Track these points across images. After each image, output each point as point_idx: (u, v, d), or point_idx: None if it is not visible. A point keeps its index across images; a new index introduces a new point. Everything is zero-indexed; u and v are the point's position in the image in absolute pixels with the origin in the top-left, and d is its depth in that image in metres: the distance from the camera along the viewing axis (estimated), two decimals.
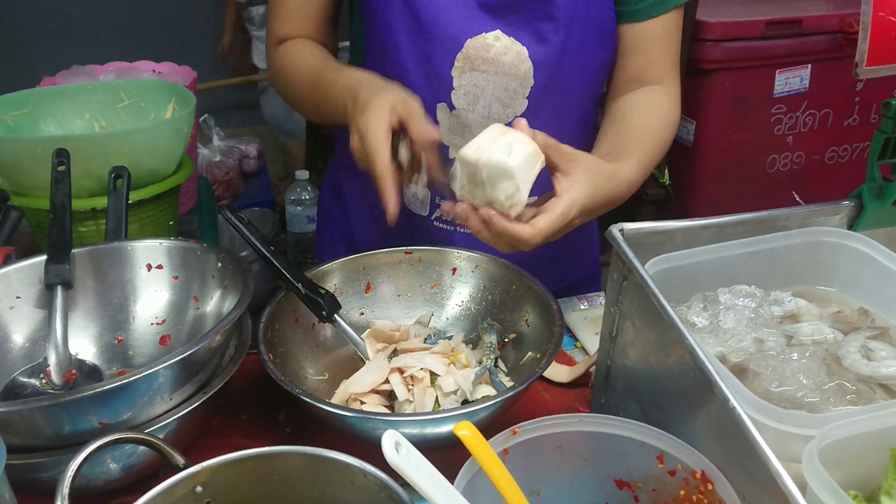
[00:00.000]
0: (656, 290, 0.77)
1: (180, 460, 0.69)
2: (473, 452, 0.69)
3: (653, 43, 1.17)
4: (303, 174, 2.65)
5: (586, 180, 0.91)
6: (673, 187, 2.62)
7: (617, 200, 1.02)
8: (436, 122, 1.15)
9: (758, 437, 0.64)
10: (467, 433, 0.69)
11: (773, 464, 0.62)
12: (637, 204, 2.65)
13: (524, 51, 1.11)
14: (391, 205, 0.94)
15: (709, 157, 2.58)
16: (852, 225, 0.94)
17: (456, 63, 1.11)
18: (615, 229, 0.84)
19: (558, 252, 1.32)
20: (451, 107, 1.14)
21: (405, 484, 0.64)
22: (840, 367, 0.78)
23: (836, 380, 0.76)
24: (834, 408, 0.73)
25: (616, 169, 1.00)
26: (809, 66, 2.51)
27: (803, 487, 0.62)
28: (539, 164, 0.87)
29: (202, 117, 2.57)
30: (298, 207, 2.61)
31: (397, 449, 0.61)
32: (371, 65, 1.18)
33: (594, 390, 0.95)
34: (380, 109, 0.93)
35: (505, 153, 0.84)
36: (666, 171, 2.59)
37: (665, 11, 1.14)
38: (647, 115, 1.16)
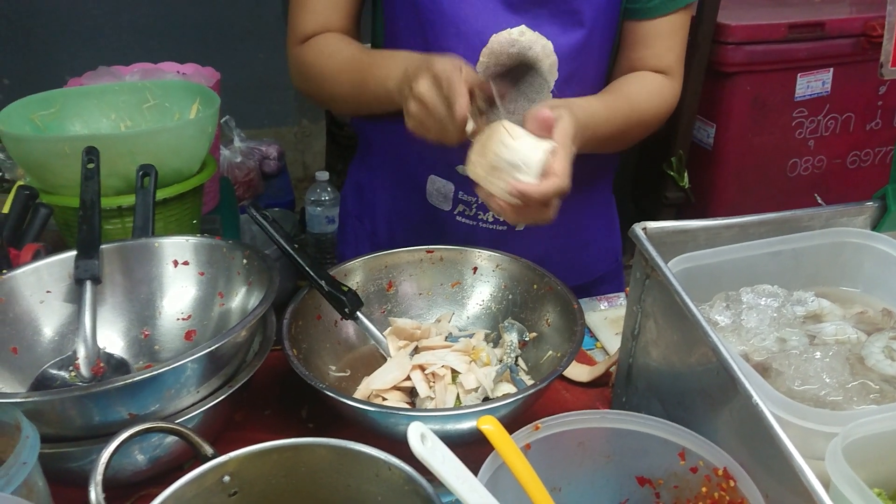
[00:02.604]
0: (680, 289, 0.77)
1: (209, 450, 0.70)
2: (497, 447, 0.69)
3: (659, 39, 1.18)
4: (322, 175, 2.67)
5: (567, 113, 0.97)
6: (693, 191, 2.61)
7: (595, 125, 1.06)
8: None
9: (781, 434, 0.64)
10: (491, 428, 0.69)
11: (797, 460, 0.62)
12: (657, 207, 2.65)
13: (549, 45, 1.12)
14: (461, 103, 0.93)
15: (729, 161, 2.57)
16: (876, 226, 0.94)
17: (481, 58, 1.12)
18: (638, 228, 0.84)
19: (578, 245, 1.32)
20: None
21: (430, 477, 0.65)
22: (863, 367, 0.78)
23: (859, 379, 0.76)
24: (857, 406, 0.73)
25: (574, 100, 1.07)
26: (831, 69, 2.50)
27: (827, 484, 0.62)
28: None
29: (223, 118, 2.59)
30: (318, 208, 2.63)
31: (423, 441, 0.62)
32: None
33: (616, 389, 0.96)
34: (454, 63, 0.95)
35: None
36: (685, 174, 2.58)
37: (674, 10, 1.16)
38: (630, 82, 1.18)
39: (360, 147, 1.40)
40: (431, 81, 0.95)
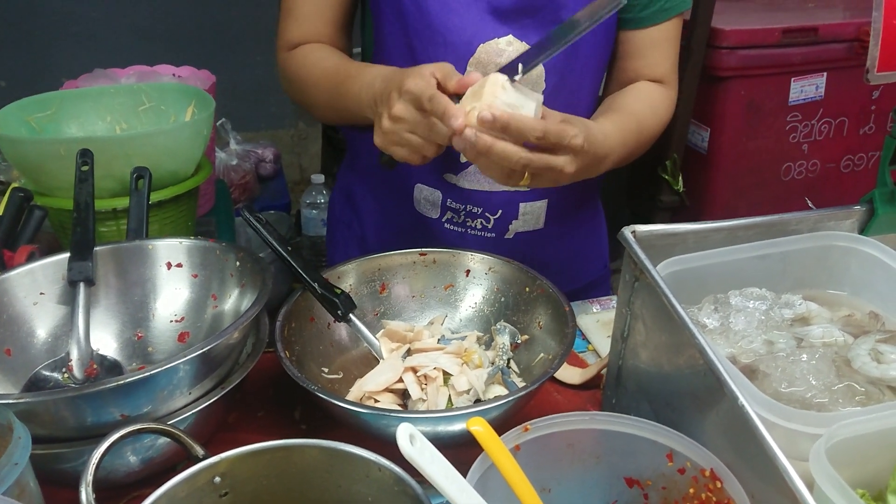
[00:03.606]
0: (668, 292, 0.78)
1: (200, 451, 0.70)
2: (486, 448, 0.70)
3: (654, 47, 1.20)
4: (318, 178, 2.68)
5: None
6: (687, 194, 2.61)
7: (604, 151, 1.05)
8: None
9: (766, 436, 0.65)
10: (480, 429, 0.70)
11: (782, 461, 0.63)
12: (651, 210, 2.65)
13: None
14: (456, 115, 0.92)
15: (723, 165, 2.58)
16: (863, 229, 0.95)
17: (468, 68, 1.13)
18: (627, 231, 0.85)
19: (567, 253, 1.33)
20: None
21: (420, 478, 0.66)
22: (849, 370, 0.78)
23: (845, 381, 0.76)
24: (842, 408, 0.74)
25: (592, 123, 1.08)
26: (825, 74, 2.51)
27: (811, 485, 0.63)
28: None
29: (219, 121, 2.60)
30: (314, 211, 2.63)
31: (412, 441, 0.62)
32: None
33: (605, 390, 0.96)
34: (423, 76, 0.96)
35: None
36: (680, 178, 2.59)
37: (668, 19, 1.17)
38: (634, 98, 1.19)
39: (349, 153, 1.41)
40: (407, 100, 0.95)
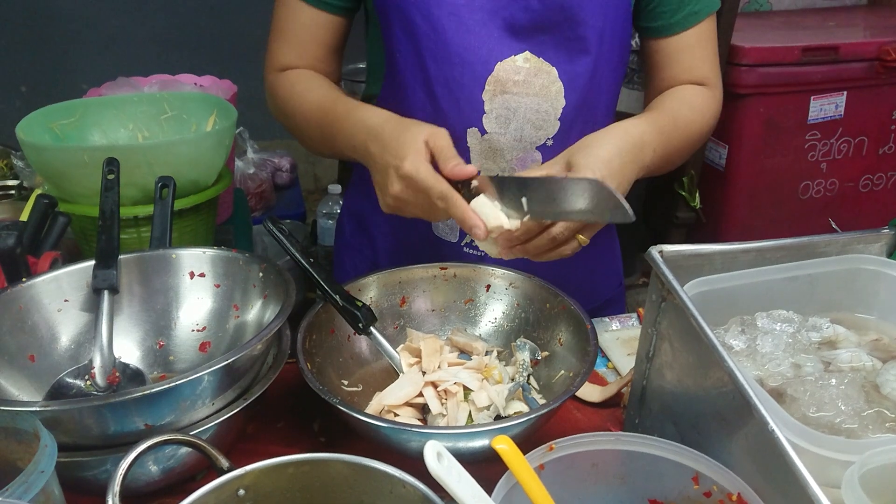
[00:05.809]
0: (696, 312, 0.77)
1: (225, 463, 0.70)
2: (511, 467, 0.69)
3: (689, 52, 1.18)
4: (335, 188, 2.68)
5: (595, 161, 0.97)
6: (704, 211, 2.61)
7: (636, 150, 1.02)
8: (466, 147, 1.15)
9: (797, 462, 0.64)
10: (505, 447, 0.70)
11: (813, 488, 0.62)
12: (667, 227, 2.65)
13: (554, 71, 1.12)
14: (478, 225, 0.93)
15: (741, 182, 2.57)
16: (892, 253, 0.94)
17: (486, 87, 1.11)
18: (654, 251, 0.84)
19: (583, 272, 1.32)
20: (483, 131, 1.14)
21: (443, 494, 0.65)
22: (879, 395, 0.78)
23: (874, 407, 0.75)
24: (873, 435, 0.73)
25: (620, 126, 1.04)
26: (845, 93, 2.50)
27: None
28: None
29: (237, 130, 2.61)
30: (329, 221, 2.64)
31: (439, 459, 0.62)
32: (396, 90, 1.17)
33: (629, 410, 0.95)
34: (418, 152, 0.95)
35: None
36: (697, 194, 2.59)
37: (698, 22, 1.16)
38: (673, 99, 1.17)
39: (355, 175, 1.37)
40: (406, 184, 0.95)
